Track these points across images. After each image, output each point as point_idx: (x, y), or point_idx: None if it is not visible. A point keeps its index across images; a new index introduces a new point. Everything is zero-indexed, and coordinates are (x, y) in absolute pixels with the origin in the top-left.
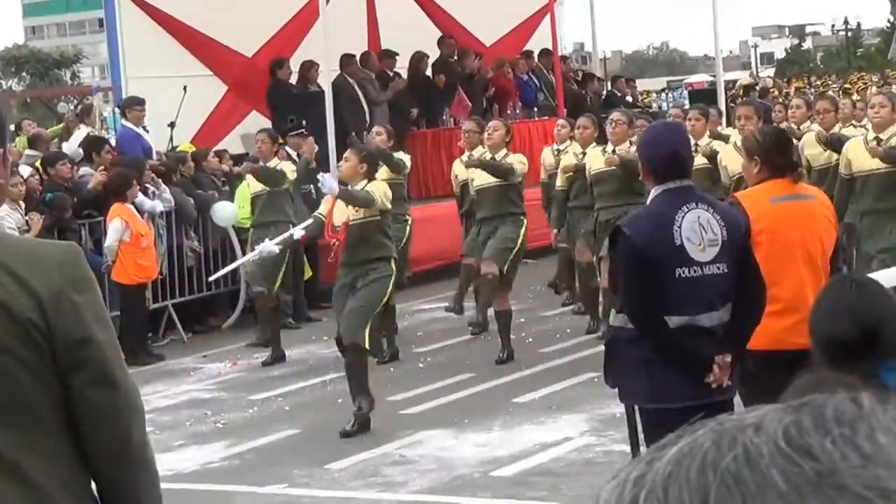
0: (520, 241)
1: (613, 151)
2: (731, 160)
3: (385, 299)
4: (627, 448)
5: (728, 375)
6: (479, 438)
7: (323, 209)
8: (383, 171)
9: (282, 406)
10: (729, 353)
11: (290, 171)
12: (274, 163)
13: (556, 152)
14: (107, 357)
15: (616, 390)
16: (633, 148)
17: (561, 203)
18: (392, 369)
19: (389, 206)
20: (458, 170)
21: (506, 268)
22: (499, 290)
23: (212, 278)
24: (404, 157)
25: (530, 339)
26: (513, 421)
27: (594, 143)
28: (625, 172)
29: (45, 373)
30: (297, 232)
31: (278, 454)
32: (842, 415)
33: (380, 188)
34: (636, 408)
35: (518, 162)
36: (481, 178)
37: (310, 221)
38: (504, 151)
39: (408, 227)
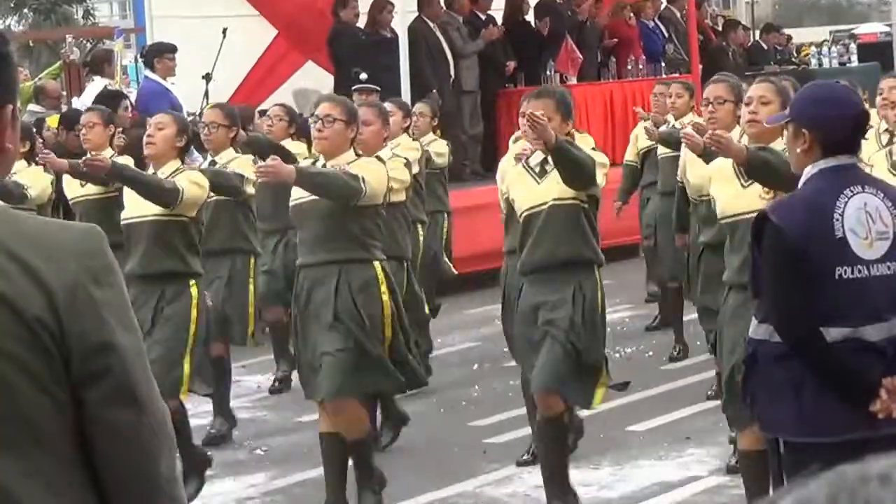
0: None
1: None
2: None
3: None
4: (770, 491)
5: None
6: (583, 476)
7: None
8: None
9: None
10: None
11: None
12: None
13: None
14: (130, 368)
15: (757, 419)
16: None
17: None
18: (477, 388)
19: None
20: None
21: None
22: None
23: None
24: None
25: (650, 353)
26: (626, 455)
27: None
28: (328, 201)
29: (53, 384)
30: None
31: None
32: None
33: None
34: (781, 441)
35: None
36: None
37: None
38: (231, 154)
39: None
